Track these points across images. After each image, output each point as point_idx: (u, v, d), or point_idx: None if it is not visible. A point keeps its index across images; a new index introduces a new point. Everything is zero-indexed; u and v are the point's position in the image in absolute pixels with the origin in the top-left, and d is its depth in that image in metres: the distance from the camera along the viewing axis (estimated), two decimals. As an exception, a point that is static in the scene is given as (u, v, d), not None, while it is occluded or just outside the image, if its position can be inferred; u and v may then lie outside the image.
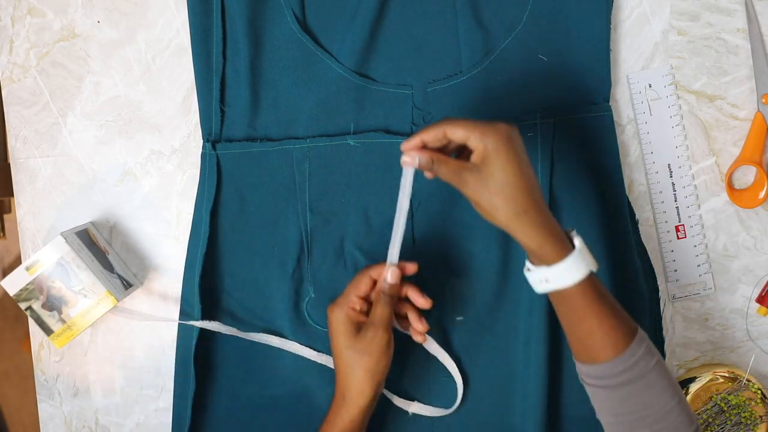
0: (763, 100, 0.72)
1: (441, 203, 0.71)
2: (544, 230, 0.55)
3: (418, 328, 0.65)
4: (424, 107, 0.70)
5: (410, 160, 0.57)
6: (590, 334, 0.56)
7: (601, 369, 0.56)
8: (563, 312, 0.58)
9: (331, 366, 0.71)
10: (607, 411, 0.58)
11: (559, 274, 0.55)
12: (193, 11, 0.69)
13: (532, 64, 0.70)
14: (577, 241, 0.56)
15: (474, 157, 0.56)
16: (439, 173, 0.57)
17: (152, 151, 0.74)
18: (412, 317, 0.65)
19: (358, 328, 0.62)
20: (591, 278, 0.56)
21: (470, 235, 0.70)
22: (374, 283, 0.64)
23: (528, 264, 0.58)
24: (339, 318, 0.62)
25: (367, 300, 0.64)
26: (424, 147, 0.57)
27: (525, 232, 0.55)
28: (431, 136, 0.56)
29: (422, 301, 0.64)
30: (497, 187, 0.55)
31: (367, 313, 0.64)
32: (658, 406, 0.56)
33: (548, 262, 0.55)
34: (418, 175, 0.71)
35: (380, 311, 0.62)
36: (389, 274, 0.63)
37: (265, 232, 0.71)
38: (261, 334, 0.71)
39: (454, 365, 0.71)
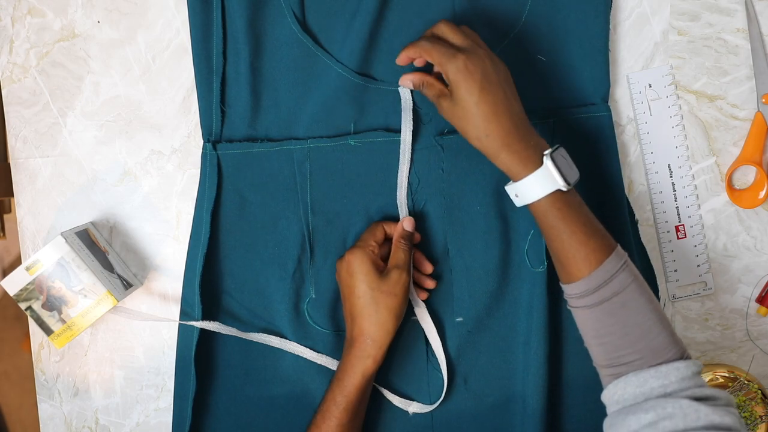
0: (763, 100, 0.72)
1: (441, 204, 0.71)
2: (509, 150, 0.59)
3: (426, 270, 0.70)
4: (423, 107, 0.70)
5: (401, 82, 0.67)
6: (563, 249, 0.60)
7: (577, 286, 0.59)
8: (542, 230, 0.62)
9: (331, 366, 0.71)
10: (590, 333, 0.60)
11: (525, 189, 0.60)
12: (194, 11, 0.69)
13: (531, 64, 0.70)
14: (546, 160, 0.59)
15: (449, 82, 0.62)
16: (425, 94, 0.65)
17: (152, 151, 0.74)
18: (419, 258, 0.70)
19: (380, 269, 0.66)
20: (561, 195, 0.59)
21: (470, 236, 0.70)
22: (385, 233, 0.69)
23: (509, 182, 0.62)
24: (363, 260, 0.65)
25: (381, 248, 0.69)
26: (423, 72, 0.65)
27: (491, 153, 0.60)
28: (411, 52, 0.64)
29: (426, 265, 0.70)
30: (461, 113, 0.61)
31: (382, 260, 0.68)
32: (637, 324, 0.57)
33: (515, 178, 0.60)
34: (418, 175, 0.71)
35: (402, 255, 0.67)
36: (406, 222, 0.69)
37: (266, 233, 0.71)
38: (261, 334, 0.71)
39: (440, 344, 0.72)
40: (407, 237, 0.68)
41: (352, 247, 0.67)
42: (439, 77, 0.65)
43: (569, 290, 0.61)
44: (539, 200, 0.59)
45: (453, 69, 0.60)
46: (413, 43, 0.63)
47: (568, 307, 0.62)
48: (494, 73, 0.60)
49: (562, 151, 0.61)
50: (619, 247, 0.60)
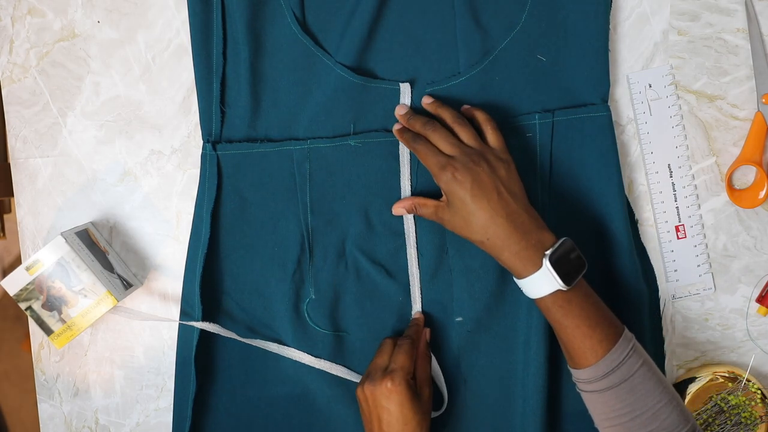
0: (763, 100, 0.72)
1: (441, 203, 0.71)
2: (509, 251, 0.61)
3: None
4: (422, 107, 0.70)
5: (397, 209, 0.69)
6: (569, 341, 0.61)
7: (586, 373, 0.60)
8: (549, 319, 0.63)
9: (329, 370, 0.71)
10: (601, 416, 0.60)
11: (527, 288, 0.62)
12: (194, 12, 0.69)
13: (530, 64, 0.70)
14: (545, 262, 0.60)
15: (444, 197, 0.65)
16: (423, 215, 0.67)
17: (152, 151, 0.74)
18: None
19: (415, 391, 0.65)
20: (563, 293, 0.60)
21: (470, 235, 0.70)
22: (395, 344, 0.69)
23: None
24: (404, 389, 0.64)
25: None
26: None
27: (494, 254, 0.62)
28: (406, 140, 0.67)
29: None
30: (461, 222, 0.63)
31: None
32: (648, 407, 0.58)
33: (517, 277, 0.62)
34: (418, 175, 0.71)
35: (427, 368, 0.69)
36: (428, 332, 0.71)
37: (266, 233, 0.71)
38: (259, 340, 0.71)
39: (438, 368, 0.72)
40: (426, 348, 0.70)
41: (390, 374, 0.64)
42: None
43: (577, 375, 0.61)
44: (542, 297, 0.61)
45: (443, 181, 0.62)
46: (415, 139, 0.66)
47: (577, 390, 0.63)
48: (487, 175, 0.62)
49: (566, 246, 0.61)
50: (626, 332, 0.61)
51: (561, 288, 0.59)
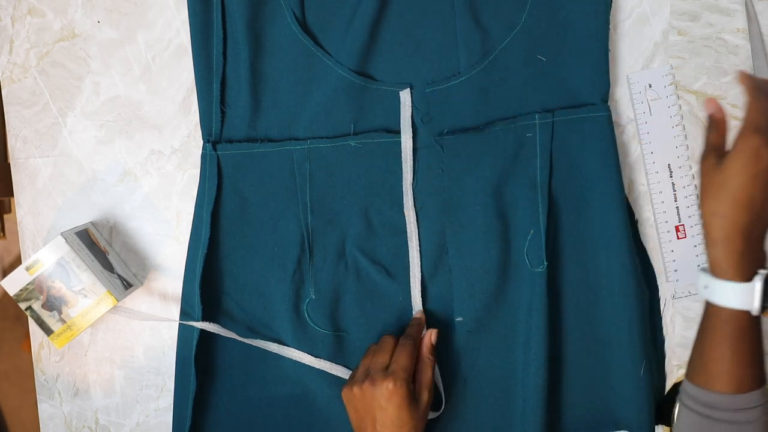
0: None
1: (441, 204, 0.71)
2: (730, 244, 0.55)
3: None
4: (422, 108, 0.70)
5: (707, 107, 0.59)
6: (716, 360, 0.56)
7: (715, 398, 0.56)
8: (705, 326, 0.58)
9: (329, 370, 0.71)
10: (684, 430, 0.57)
11: (720, 291, 0.56)
12: (194, 12, 0.69)
13: (530, 64, 0.70)
14: (758, 279, 0.55)
15: (731, 147, 0.56)
16: (706, 131, 0.58)
17: (152, 151, 0.74)
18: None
19: (414, 395, 0.64)
20: (746, 316, 0.55)
21: (470, 236, 0.70)
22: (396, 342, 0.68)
23: (702, 265, 0.59)
24: (404, 391, 0.62)
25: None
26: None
27: (714, 237, 0.56)
28: (745, 80, 0.57)
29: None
30: (718, 181, 0.55)
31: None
32: None
33: (719, 275, 0.56)
34: (418, 175, 0.71)
35: (430, 373, 0.66)
36: (434, 335, 0.69)
37: (266, 233, 0.71)
38: (259, 339, 0.71)
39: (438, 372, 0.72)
40: (433, 350, 0.68)
41: (389, 375, 0.63)
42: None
43: (698, 394, 0.58)
44: (724, 308, 0.56)
45: (744, 142, 0.54)
46: (752, 80, 0.57)
47: (681, 404, 0.59)
48: None
49: None
50: (765, 387, 0.58)
51: (753, 312, 0.55)
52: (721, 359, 0.56)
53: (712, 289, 0.56)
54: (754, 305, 0.55)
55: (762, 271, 0.55)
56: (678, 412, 0.59)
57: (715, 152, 0.57)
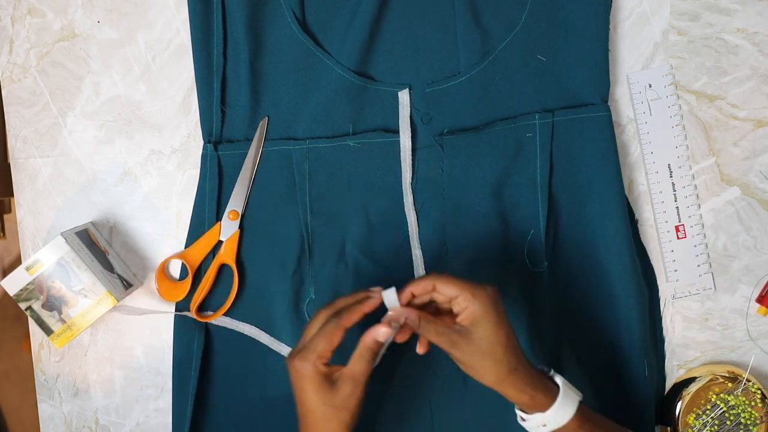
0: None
1: (441, 204, 0.71)
2: (532, 381, 0.57)
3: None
4: (422, 108, 0.70)
5: (394, 316, 0.58)
6: None
7: None
8: None
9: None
10: None
11: (555, 415, 0.57)
12: (194, 12, 0.69)
13: (530, 64, 0.70)
14: (558, 379, 0.58)
15: (462, 319, 0.57)
16: (426, 333, 0.57)
17: (152, 151, 0.74)
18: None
19: (332, 379, 0.57)
20: (581, 408, 0.58)
21: (470, 236, 0.70)
22: (344, 333, 0.58)
23: (521, 414, 0.59)
24: (308, 373, 0.56)
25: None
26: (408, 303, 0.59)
27: (517, 388, 0.57)
28: (420, 288, 0.58)
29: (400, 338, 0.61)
30: (488, 349, 0.56)
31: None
32: None
33: (542, 408, 0.57)
34: (418, 175, 0.71)
35: (363, 367, 0.57)
36: (381, 333, 0.57)
37: (266, 233, 0.71)
38: (253, 327, 0.71)
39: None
40: (375, 346, 0.57)
41: (300, 352, 0.57)
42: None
43: None
44: (568, 422, 0.58)
45: (483, 297, 0.56)
46: (418, 280, 0.58)
47: None
48: (502, 304, 0.58)
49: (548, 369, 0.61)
50: None
51: (579, 398, 0.59)
52: None
53: (549, 421, 0.58)
54: (577, 394, 0.59)
55: (549, 373, 0.59)
56: None
57: (455, 335, 0.56)
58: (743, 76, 0.73)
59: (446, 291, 0.57)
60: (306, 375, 0.56)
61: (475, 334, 0.56)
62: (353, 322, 0.58)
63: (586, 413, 0.59)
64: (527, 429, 0.60)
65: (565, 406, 0.57)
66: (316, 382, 0.56)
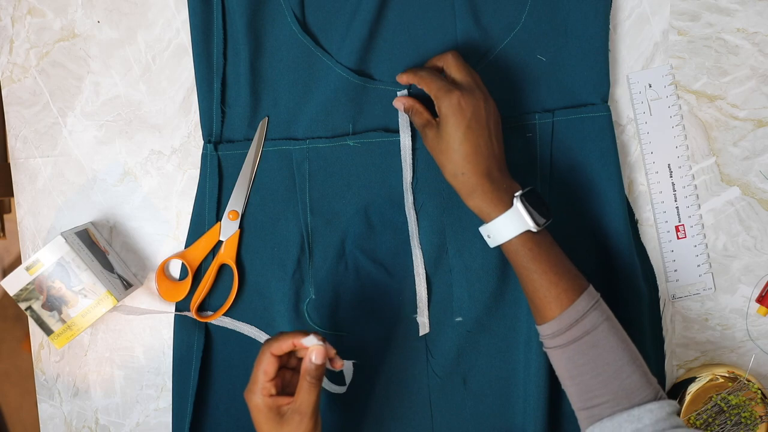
0: (229, 217, 0.70)
1: (440, 204, 0.71)
2: (482, 190, 0.61)
3: (335, 367, 0.61)
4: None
5: (397, 102, 0.68)
6: (535, 290, 0.61)
7: (550, 326, 0.60)
8: (516, 271, 0.63)
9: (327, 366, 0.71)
10: (564, 374, 0.60)
11: (496, 229, 0.61)
12: (194, 12, 0.69)
13: (530, 64, 0.70)
14: (516, 202, 0.61)
15: (439, 116, 0.63)
16: (413, 120, 0.67)
17: (152, 151, 0.74)
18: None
19: (280, 412, 0.58)
20: (532, 236, 0.61)
21: (469, 235, 0.70)
22: (279, 359, 0.59)
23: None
24: (258, 406, 0.58)
25: (280, 375, 0.60)
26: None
27: (464, 192, 0.62)
28: (412, 78, 0.66)
29: (337, 363, 0.61)
30: (443, 147, 0.62)
31: (284, 389, 0.61)
32: (609, 364, 0.58)
33: (486, 219, 0.62)
34: (417, 175, 0.71)
35: (307, 398, 0.58)
36: (315, 354, 0.58)
37: (266, 233, 0.71)
38: (252, 327, 0.71)
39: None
40: (316, 373, 0.58)
41: (246, 390, 0.59)
42: (429, 106, 0.66)
43: (542, 331, 0.61)
44: (510, 240, 0.61)
45: (446, 103, 0.62)
46: (414, 70, 0.66)
47: (544, 349, 0.63)
48: (485, 114, 0.62)
49: (535, 194, 0.62)
50: (590, 288, 0.61)
51: (531, 228, 0.60)
52: (538, 286, 0.60)
53: (491, 233, 0.62)
54: (528, 223, 0.60)
55: (516, 194, 0.61)
56: (550, 359, 0.62)
57: (428, 127, 0.64)
58: (743, 76, 0.73)
59: (425, 88, 0.64)
60: (254, 407, 0.59)
61: (439, 131, 0.63)
62: (282, 350, 0.58)
63: (537, 244, 0.60)
64: (486, 241, 0.64)
65: (509, 226, 0.60)
66: (265, 415, 0.58)
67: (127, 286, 0.71)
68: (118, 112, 0.74)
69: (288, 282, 0.71)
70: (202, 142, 0.71)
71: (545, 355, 0.69)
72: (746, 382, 0.72)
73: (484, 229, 0.63)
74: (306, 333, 0.59)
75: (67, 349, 0.76)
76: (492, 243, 0.63)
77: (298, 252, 0.71)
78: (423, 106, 0.66)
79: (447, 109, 0.62)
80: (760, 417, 0.72)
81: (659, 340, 0.74)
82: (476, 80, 0.64)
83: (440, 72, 0.66)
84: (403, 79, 0.67)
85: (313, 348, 0.58)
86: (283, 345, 0.58)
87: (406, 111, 0.67)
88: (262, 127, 0.70)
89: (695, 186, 0.74)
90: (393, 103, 0.68)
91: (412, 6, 0.70)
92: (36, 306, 0.67)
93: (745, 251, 0.75)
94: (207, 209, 0.70)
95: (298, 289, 0.72)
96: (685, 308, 0.75)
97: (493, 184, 0.61)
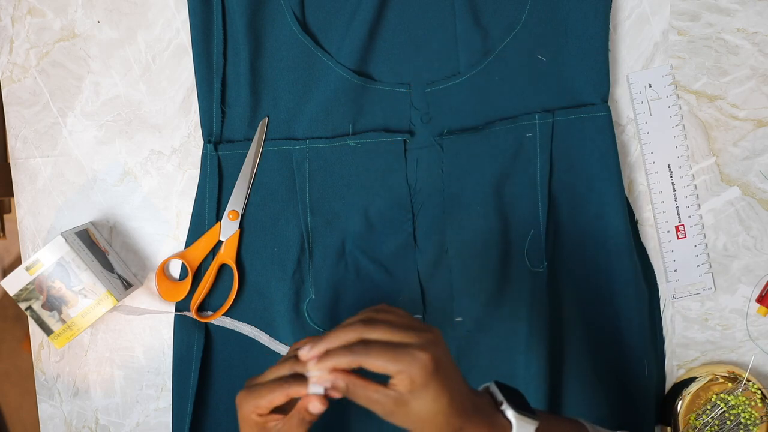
0: (230, 217, 0.70)
1: (441, 204, 0.71)
2: (481, 429, 0.49)
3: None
4: (422, 108, 0.70)
5: (318, 381, 0.48)
6: None
7: None
8: None
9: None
10: None
11: None
12: (194, 12, 0.69)
13: (530, 64, 0.70)
14: (510, 414, 0.50)
15: (397, 383, 0.47)
16: (357, 399, 0.48)
17: (152, 151, 0.74)
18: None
19: (267, 428, 0.51)
20: (539, 429, 0.51)
21: (469, 236, 0.70)
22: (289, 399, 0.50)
23: None
24: (245, 415, 0.51)
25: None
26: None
27: None
28: (339, 359, 0.48)
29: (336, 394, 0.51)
30: (428, 418, 0.48)
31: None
32: None
33: None
34: (418, 175, 0.71)
35: (296, 429, 0.50)
36: (312, 405, 0.49)
37: (266, 233, 0.71)
38: (253, 328, 0.71)
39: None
40: (311, 418, 0.50)
41: (250, 389, 0.51)
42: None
43: None
44: None
45: (420, 371, 0.46)
46: (335, 333, 0.49)
47: None
48: (445, 348, 0.50)
49: (495, 388, 0.53)
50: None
51: (536, 424, 0.50)
52: None
53: None
54: (531, 420, 0.50)
55: (501, 407, 0.51)
56: None
57: (397, 404, 0.48)
58: (743, 76, 0.73)
59: (373, 365, 0.47)
60: (242, 415, 0.51)
61: (414, 402, 0.47)
62: (297, 390, 0.49)
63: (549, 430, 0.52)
64: None
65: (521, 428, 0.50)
66: (251, 428, 0.51)
67: (127, 286, 0.71)
68: (118, 112, 0.74)
69: (288, 282, 0.71)
70: (202, 142, 0.71)
71: (545, 355, 0.69)
72: (746, 382, 0.72)
73: None
74: (303, 364, 0.50)
75: (67, 349, 0.76)
76: None
77: (298, 252, 0.71)
78: (366, 379, 0.48)
79: (425, 377, 0.46)
80: (760, 417, 0.72)
81: (659, 340, 0.74)
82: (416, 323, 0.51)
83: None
84: (314, 353, 0.49)
85: (311, 398, 0.49)
86: (275, 399, 0.49)
87: (341, 390, 0.48)
88: (262, 127, 0.70)
89: (695, 186, 0.74)
90: (313, 383, 0.48)
91: (412, 6, 0.70)
92: (36, 306, 0.67)
93: (745, 251, 0.75)
94: (207, 209, 0.71)
95: (298, 289, 0.72)
96: (685, 308, 0.75)
97: (483, 413, 0.50)
